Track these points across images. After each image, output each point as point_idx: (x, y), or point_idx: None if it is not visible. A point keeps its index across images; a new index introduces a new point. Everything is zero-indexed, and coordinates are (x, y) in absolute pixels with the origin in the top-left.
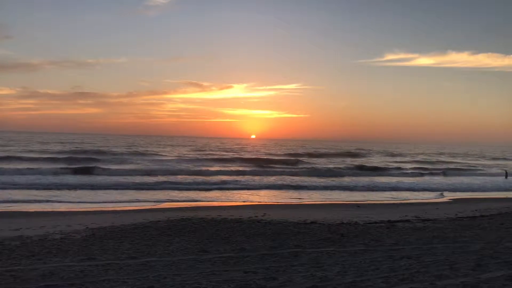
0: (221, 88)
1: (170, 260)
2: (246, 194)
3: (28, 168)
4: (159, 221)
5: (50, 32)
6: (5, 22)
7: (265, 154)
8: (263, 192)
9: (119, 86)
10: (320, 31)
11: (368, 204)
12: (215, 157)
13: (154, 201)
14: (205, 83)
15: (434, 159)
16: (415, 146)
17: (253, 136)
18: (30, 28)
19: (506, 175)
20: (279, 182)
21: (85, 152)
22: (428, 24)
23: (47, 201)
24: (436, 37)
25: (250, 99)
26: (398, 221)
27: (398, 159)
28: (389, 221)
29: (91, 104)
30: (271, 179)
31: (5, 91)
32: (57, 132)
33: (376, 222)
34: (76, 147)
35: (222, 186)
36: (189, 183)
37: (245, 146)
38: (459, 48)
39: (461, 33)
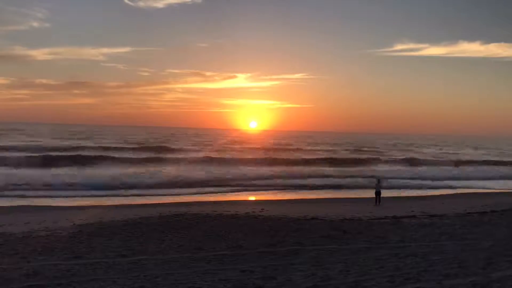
0: (224, 78)
1: (163, 258)
2: (244, 190)
3: None
4: (150, 217)
5: (50, 21)
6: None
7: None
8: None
9: (120, 76)
10: (327, 20)
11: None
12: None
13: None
14: (207, 73)
15: None
16: (440, 138)
17: (252, 127)
18: (28, 17)
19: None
20: None
21: None
22: (439, 13)
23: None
24: (447, 27)
25: (254, 89)
26: (403, 217)
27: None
28: (394, 217)
29: (88, 94)
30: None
31: None
32: (51, 123)
33: (380, 218)
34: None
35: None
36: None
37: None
38: (471, 37)
39: (473, 23)
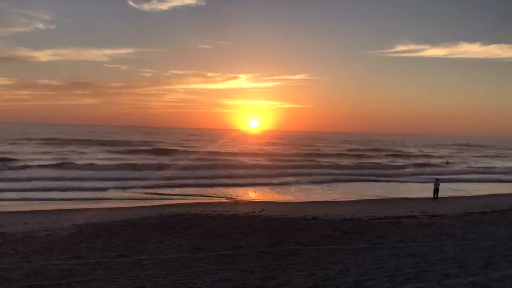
0: (226, 79)
1: (163, 258)
2: (244, 189)
3: None
4: (150, 217)
5: (55, 23)
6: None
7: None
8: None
9: (122, 77)
10: (328, 21)
11: (372, 199)
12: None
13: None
14: (209, 74)
15: None
16: (453, 140)
17: (253, 127)
18: (34, 19)
19: (447, 162)
20: None
21: None
22: (439, 14)
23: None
24: (447, 28)
25: (255, 89)
26: (403, 217)
27: None
28: (394, 217)
29: (90, 94)
30: None
31: (1, 82)
32: (54, 124)
33: (380, 218)
34: None
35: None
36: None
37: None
38: (471, 39)
39: (473, 24)
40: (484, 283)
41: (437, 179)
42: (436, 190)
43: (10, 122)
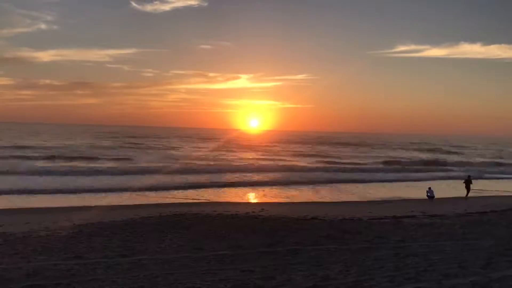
0: (228, 79)
1: (163, 258)
2: (244, 190)
3: None
4: (150, 216)
5: (58, 24)
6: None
7: None
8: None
9: (124, 77)
10: (329, 22)
11: (372, 199)
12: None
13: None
14: (211, 74)
15: None
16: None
17: (254, 127)
18: (38, 20)
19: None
20: None
21: None
22: (440, 15)
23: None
24: (448, 28)
25: (256, 89)
26: (403, 217)
27: None
28: (394, 217)
29: (91, 94)
30: None
31: (3, 82)
32: (53, 123)
33: (380, 218)
34: None
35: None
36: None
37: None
38: (472, 39)
39: (473, 24)
40: (484, 283)
41: (430, 187)
42: (431, 197)
43: (12, 122)
